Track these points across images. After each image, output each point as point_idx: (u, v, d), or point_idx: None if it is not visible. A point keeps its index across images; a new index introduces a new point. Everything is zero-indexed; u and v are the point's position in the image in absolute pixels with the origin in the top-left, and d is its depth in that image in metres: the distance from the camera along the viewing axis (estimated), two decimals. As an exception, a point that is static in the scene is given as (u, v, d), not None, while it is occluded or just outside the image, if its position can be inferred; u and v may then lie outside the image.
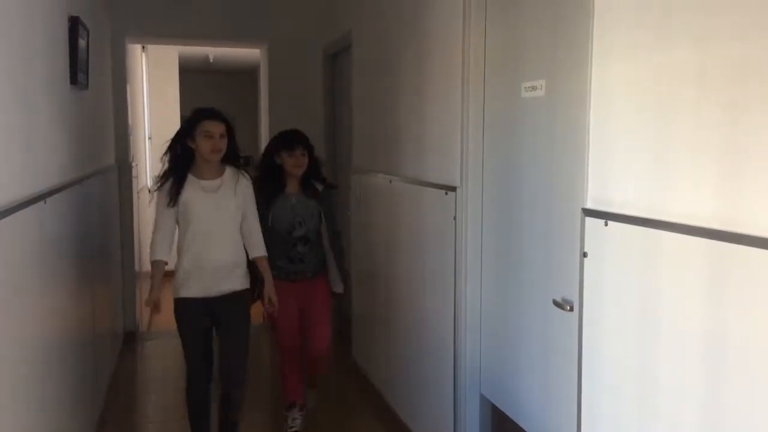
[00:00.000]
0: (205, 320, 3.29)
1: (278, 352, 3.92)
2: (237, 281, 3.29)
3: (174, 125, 8.44)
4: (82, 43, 3.49)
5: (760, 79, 1.40)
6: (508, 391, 2.68)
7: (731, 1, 1.49)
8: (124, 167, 5.48)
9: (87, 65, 3.67)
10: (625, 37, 1.84)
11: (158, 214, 3.27)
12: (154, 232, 3.31)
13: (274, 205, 3.66)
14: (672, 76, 1.66)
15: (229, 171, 3.30)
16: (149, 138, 7.89)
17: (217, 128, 3.19)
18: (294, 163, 3.66)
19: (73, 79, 3.34)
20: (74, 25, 3.35)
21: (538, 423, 2.45)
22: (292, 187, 3.73)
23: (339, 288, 3.89)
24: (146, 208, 6.98)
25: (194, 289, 3.24)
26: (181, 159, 3.23)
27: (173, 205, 3.19)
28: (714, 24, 1.52)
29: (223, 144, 3.20)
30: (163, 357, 5.49)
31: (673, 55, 1.65)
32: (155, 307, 3.30)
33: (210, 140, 3.16)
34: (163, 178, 3.27)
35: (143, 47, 7.34)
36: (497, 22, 2.70)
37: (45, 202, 2.51)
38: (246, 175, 3.37)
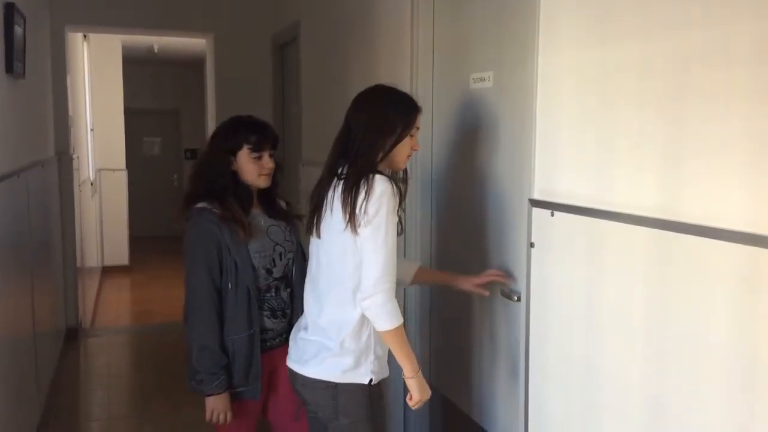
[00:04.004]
0: None
1: None
2: None
3: (118, 117, 8.38)
4: (18, 30, 3.37)
5: (699, 71, 1.43)
6: (457, 381, 2.69)
7: (673, -6, 1.51)
8: (64, 159, 5.32)
9: (24, 53, 3.55)
10: (570, 30, 1.86)
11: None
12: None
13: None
14: (615, 68, 1.68)
15: None
16: (91, 130, 7.68)
17: None
18: (261, 170, 2.40)
19: (9, 68, 3.23)
20: (9, 12, 3.23)
21: (487, 413, 2.47)
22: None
23: None
24: (88, 201, 6.80)
25: None
26: None
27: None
28: (655, 16, 1.55)
29: None
30: (107, 354, 5.38)
31: (616, 48, 1.67)
32: None
33: None
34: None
35: (85, 36, 7.14)
36: (446, 12, 2.70)
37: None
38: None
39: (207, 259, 2.29)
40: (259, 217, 2.43)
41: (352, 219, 1.94)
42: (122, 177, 8.55)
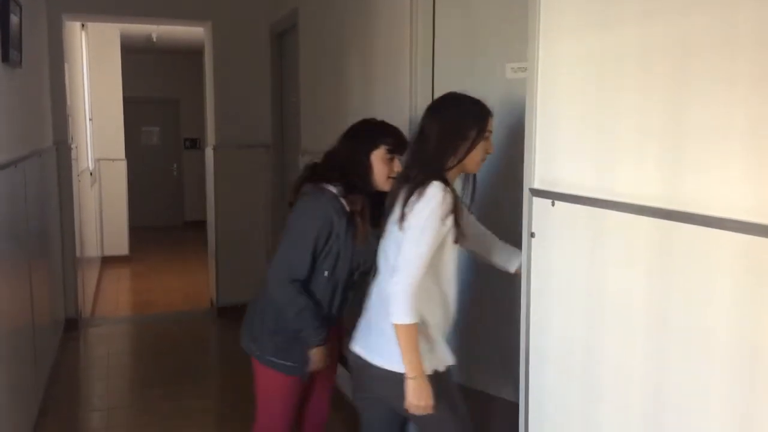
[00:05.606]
0: None
1: None
2: None
3: (116, 106, 8.35)
4: (14, 19, 3.34)
5: (700, 57, 1.41)
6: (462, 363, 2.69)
7: (676, -21, 1.49)
8: (63, 149, 5.29)
9: (20, 42, 3.52)
10: (569, 16, 1.84)
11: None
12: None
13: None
14: (616, 55, 1.65)
15: None
16: (90, 119, 7.65)
17: None
18: (390, 173, 2.40)
19: (5, 57, 3.20)
20: (5, 0, 3.20)
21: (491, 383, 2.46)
22: None
23: None
24: (87, 192, 6.78)
25: None
26: None
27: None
28: (657, 1, 1.52)
29: None
30: (107, 343, 5.37)
31: (617, 34, 1.64)
32: None
33: None
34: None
35: (83, 25, 7.10)
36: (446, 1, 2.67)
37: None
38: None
39: (316, 240, 2.35)
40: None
41: (403, 215, 2.04)
42: (121, 167, 8.53)
